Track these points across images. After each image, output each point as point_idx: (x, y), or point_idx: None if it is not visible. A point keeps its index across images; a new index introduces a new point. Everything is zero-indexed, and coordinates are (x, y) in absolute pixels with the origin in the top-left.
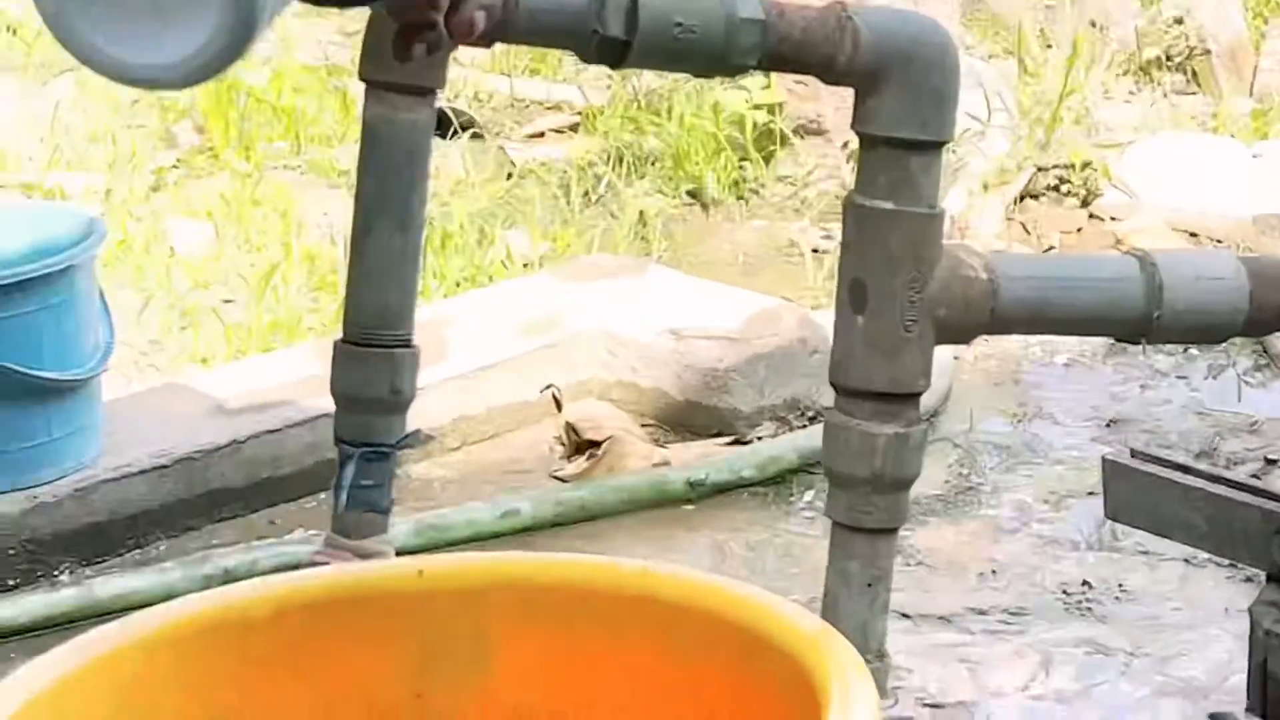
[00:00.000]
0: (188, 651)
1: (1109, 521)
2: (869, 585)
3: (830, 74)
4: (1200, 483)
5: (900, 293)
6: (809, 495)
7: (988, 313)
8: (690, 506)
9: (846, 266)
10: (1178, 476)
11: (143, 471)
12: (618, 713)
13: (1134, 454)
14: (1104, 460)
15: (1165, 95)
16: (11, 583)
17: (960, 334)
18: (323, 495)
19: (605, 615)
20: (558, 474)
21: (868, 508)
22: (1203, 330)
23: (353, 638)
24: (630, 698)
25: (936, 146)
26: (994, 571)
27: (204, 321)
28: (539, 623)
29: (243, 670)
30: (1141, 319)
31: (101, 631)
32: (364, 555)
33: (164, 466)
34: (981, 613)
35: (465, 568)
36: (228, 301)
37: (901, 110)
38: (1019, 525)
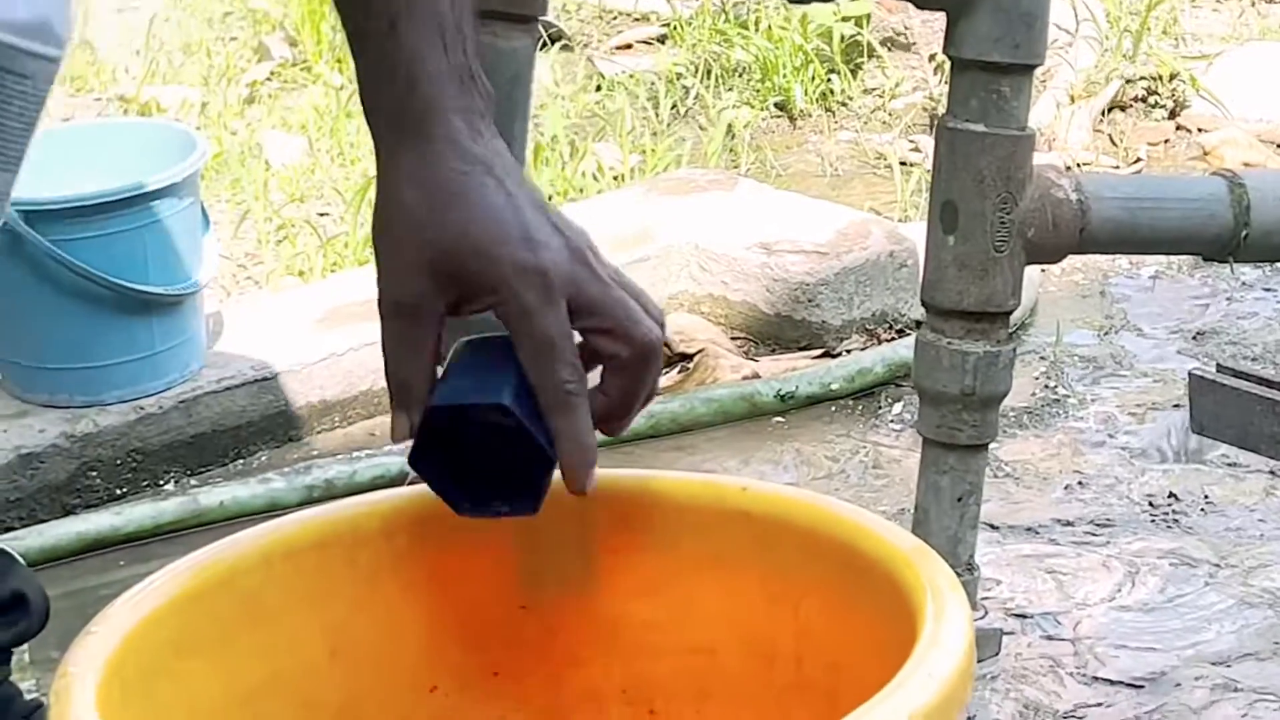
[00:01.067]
0: (303, 565)
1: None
2: (959, 500)
3: None
4: None
5: (991, 214)
6: (897, 408)
7: (1077, 233)
8: (780, 419)
9: (938, 188)
10: (1263, 391)
11: (244, 384)
12: (713, 624)
13: (1220, 369)
14: (1190, 375)
15: (1253, 4)
16: (119, 492)
17: (1050, 254)
18: None
19: (706, 531)
20: None
21: (958, 424)
22: None
23: (458, 552)
24: (726, 610)
25: (1028, 69)
26: (1080, 483)
27: (301, 234)
28: (641, 537)
29: (352, 584)
30: (1230, 238)
31: (219, 546)
32: None
33: (265, 379)
34: (1068, 524)
35: None
36: (323, 215)
37: (993, 33)
38: (1105, 437)
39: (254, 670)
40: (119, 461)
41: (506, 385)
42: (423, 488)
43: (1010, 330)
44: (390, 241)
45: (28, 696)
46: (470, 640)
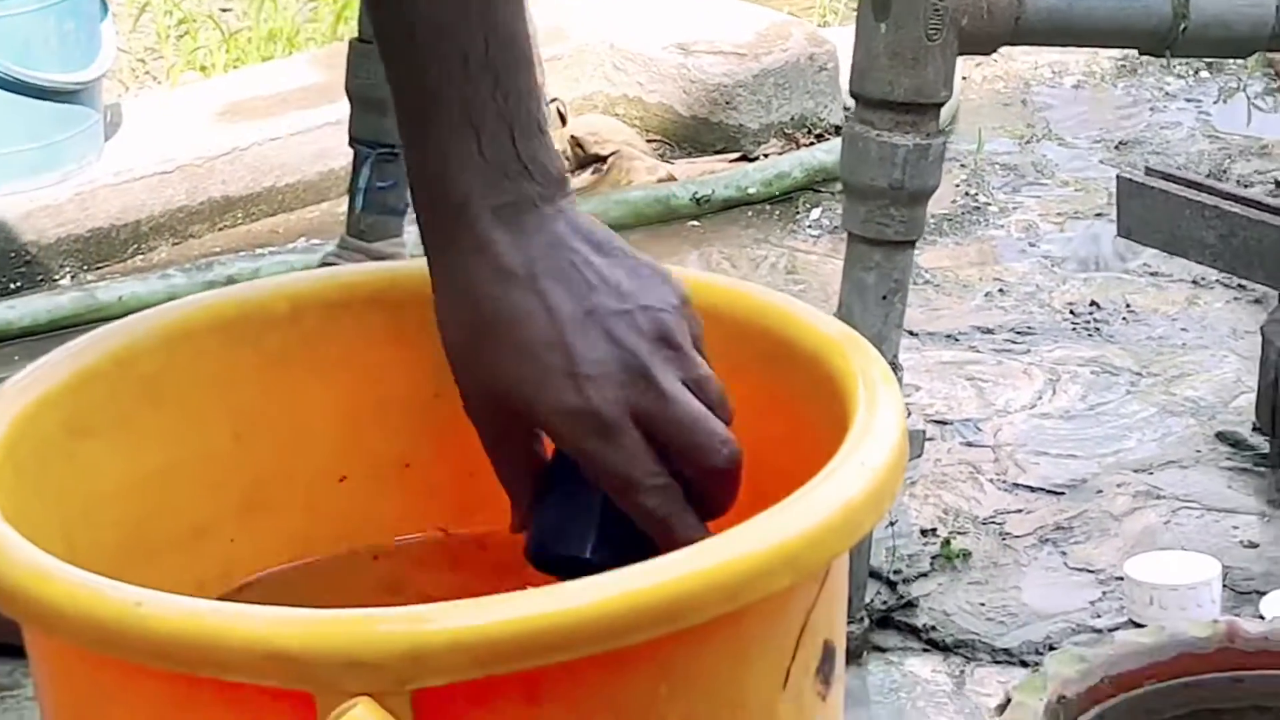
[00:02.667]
0: (206, 348)
1: (1116, 242)
2: (884, 298)
3: None
4: (1215, 200)
5: (924, 0)
6: (815, 213)
7: (1012, 22)
8: (696, 223)
9: None
10: (1192, 194)
11: (143, 177)
12: None
13: (1148, 172)
14: (1118, 178)
15: None
16: (13, 286)
17: (984, 43)
18: (324, 205)
19: None
20: None
21: (885, 219)
22: (1228, 43)
23: (371, 337)
24: None
25: None
26: (1001, 291)
27: (203, 29)
28: None
29: (261, 368)
30: (1168, 31)
31: (117, 325)
32: (378, 257)
33: (166, 172)
34: (988, 331)
35: None
36: (225, 10)
37: None
38: (1026, 245)
39: (155, 454)
40: (13, 254)
41: (591, 526)
42: (333, 269)
43: (940, 127)
44: (448, 360)
45: None
46: (382, 429)
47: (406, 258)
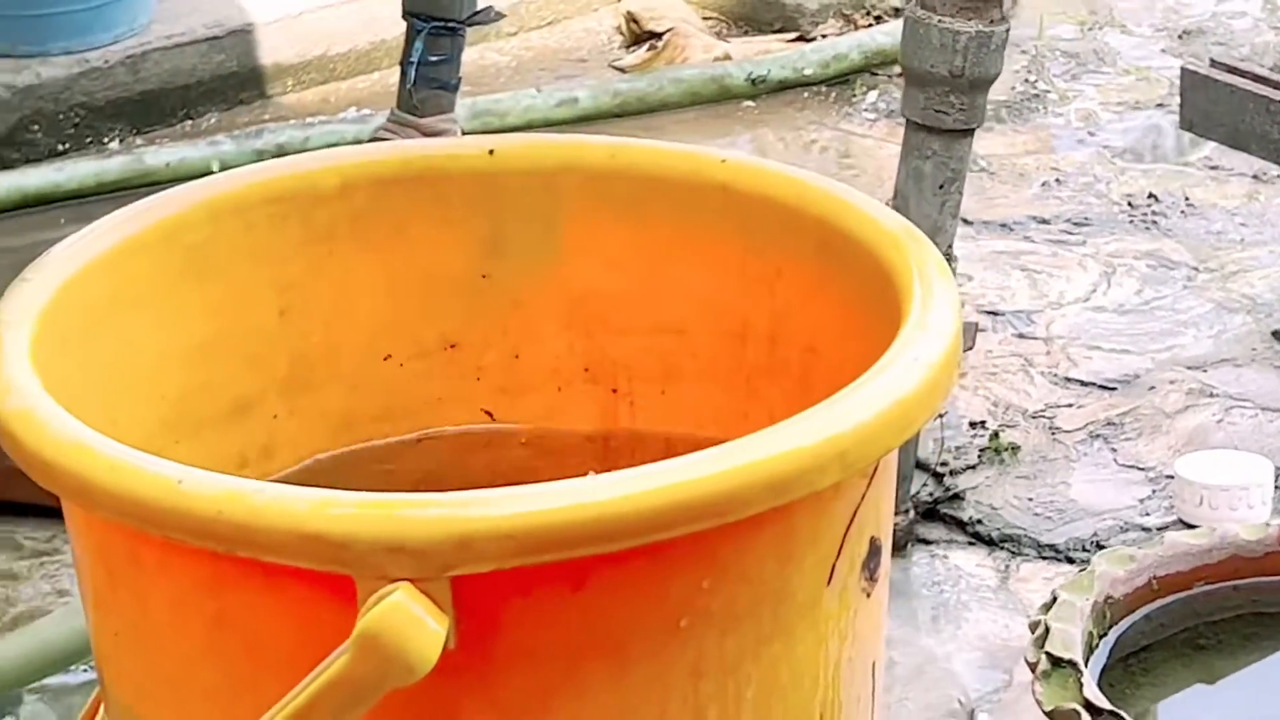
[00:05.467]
0: (255, 220)
1: (1176, 134)
2: (941, 187)
3: None
4: None
5: None
6: (872, 96)
7: None
8: (750, 103)
9: None
10: (1258, 88)
11: (194, 42)
12: (687, 299)
13: (1213, 64)
14: (1182, 70)
15: None
16: (61, 148)
17: None
18: (375, 76)
19: (680, 204)
20: (616, 64)
21: (944, 107)
22: None
23: (420, 214)
24: (702, 286)
25: None
26: (1058, 180)
27: None
28: (611, 209)
29: (308, 243)
30: None
31: (165, 196)
32: (430, 133)
33: (216, 37)
34: (1044, 222)
35: (537, 149)
36: None
37: None
38: (1085, 135)
39: (199, 326)
40: (62, 116)
41: None
42: (384, 144)
43: (1002, 12)
44: None
45: None
46: (428, 309)
47: (458, 134)
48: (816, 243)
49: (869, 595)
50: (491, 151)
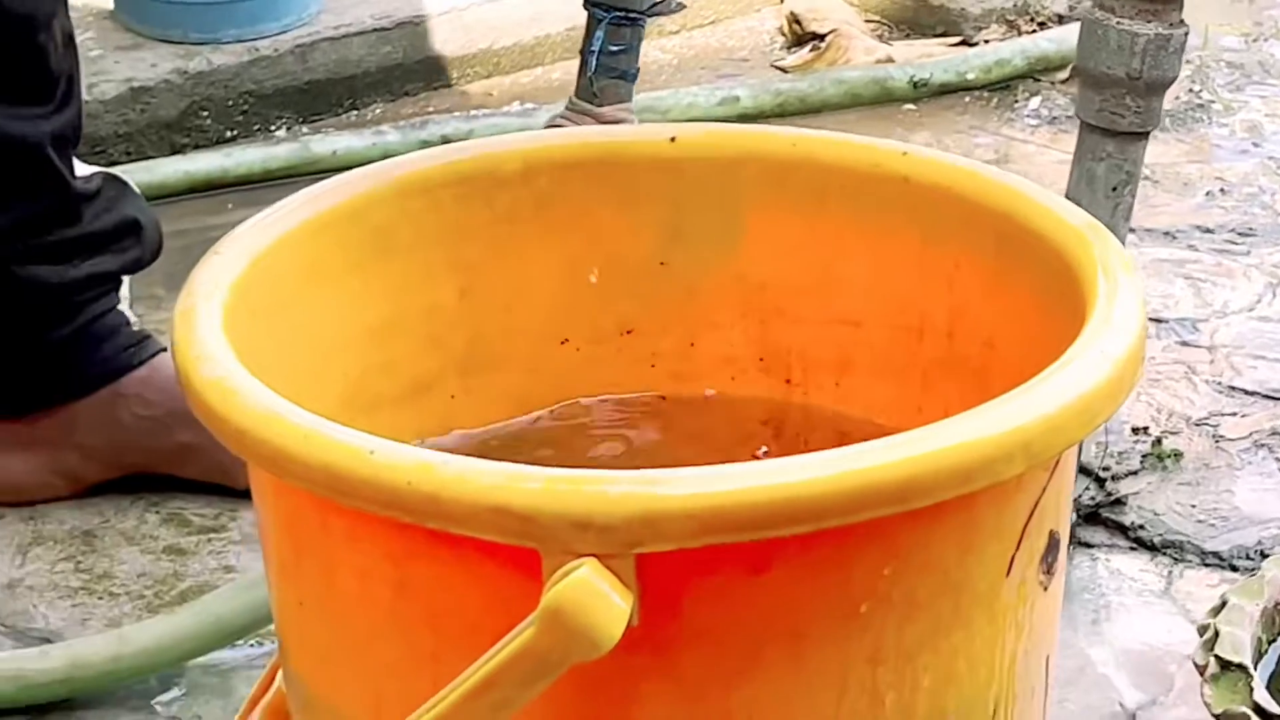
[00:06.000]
0: (439, 202)
1: None
2: (1114, 189)
3: None
4: None
5: None
6: (1034, 102)
7: None
8: (911, 106)
9: None
10: None
11: (362, 33)
12: (864, 291)
13: None
14: None
15: None
16: (229, 134)
17: None
18: (538, 70)
19: (859, 195)
20: (778, 64)
21: (1120, 109)
22: None
23: (601, 201)
24: (878, 278)
25: None
26: (1222, 190)
27: None
28: (790, 199)
29: (489, 225)
30: None
31: (354, 174)
32: (607, 121)
33: (384, 29)
34: (1208, 231)
35: (718, 138)
36: None
37: None
38: (1250, 145)
39: (381, 305)
40: (230, 103)
41: None
42: (565, 129)
43: (1181, 15)
44: None
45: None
46: (606, 294)
47: (635, 123)
48: (996, 236)
49: (1046, 589)
50: (673, 139)
